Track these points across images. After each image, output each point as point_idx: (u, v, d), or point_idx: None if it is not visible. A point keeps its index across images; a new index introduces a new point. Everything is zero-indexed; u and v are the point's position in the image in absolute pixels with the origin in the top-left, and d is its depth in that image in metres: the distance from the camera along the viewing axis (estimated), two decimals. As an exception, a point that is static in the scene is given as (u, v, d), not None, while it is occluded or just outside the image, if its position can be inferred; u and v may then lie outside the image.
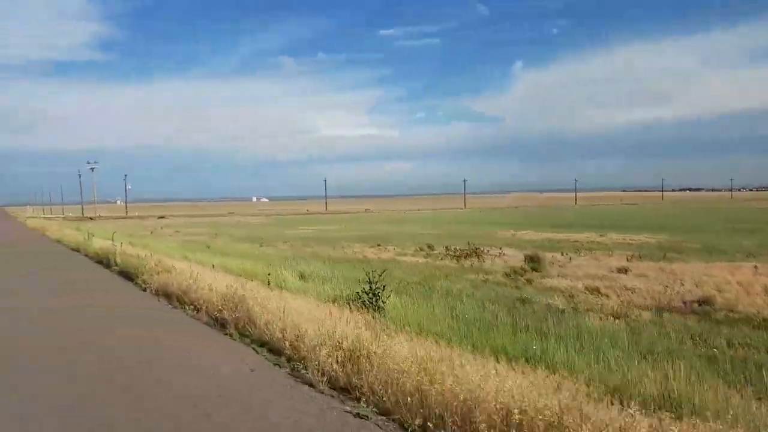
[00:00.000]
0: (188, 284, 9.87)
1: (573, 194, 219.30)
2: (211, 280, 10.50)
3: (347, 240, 38.31)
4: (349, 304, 8.92)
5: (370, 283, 8.93)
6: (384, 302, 8.86)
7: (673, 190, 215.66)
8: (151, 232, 46.03)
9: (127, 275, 13.13)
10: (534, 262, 20.05)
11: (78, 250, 20.37)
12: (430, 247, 31.13)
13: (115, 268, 14.45)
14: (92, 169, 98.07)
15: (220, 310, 8.07)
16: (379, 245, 33.63)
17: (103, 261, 16.37)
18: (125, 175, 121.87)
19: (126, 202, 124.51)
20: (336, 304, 9.12)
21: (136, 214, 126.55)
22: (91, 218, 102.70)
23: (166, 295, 10.36)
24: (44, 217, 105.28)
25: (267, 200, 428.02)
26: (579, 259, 24.93)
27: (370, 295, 8.83)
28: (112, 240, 18.89)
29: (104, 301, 10.46)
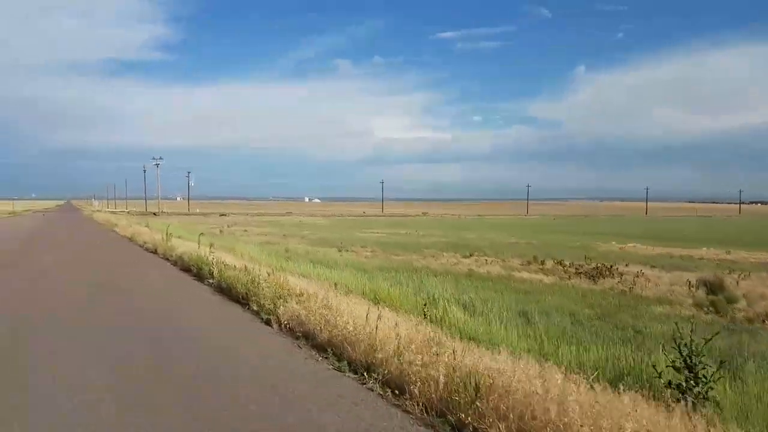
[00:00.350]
0: (347, 324, 6.30)
1: (637, 203, 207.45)
2: (366, 313, 6.90)
3: (430, 247, 34.57)
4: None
5: (684, 351, 5.01)
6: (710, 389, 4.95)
7: (743, 203, 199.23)
8: (221, 231, 43.85)
9: (232, 295, 9.82)
10: (714, 288, 15.56)
11: (155, 252, 17.63)
12: (539, 260, 26.87)
13: (211, 281, 11.27)
14: (157, 165, 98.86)
15: (449, 397, 4.41)
16: (471, 255, 29.64)
17: (192, 270, 13.31)
18: (188, 172, 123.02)
19: (188, 199, 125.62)
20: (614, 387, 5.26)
21: (197, 210, 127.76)
22: (154, 213, 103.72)
23: (306, 336, 6.86)
24: (109, 211, 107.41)
25: (318, 201, 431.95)
26: (745, 282, 20.08)
27: (688, 376, 4.93)
28: (199, 243, 15.92)
29: (219, 347, 6.90)
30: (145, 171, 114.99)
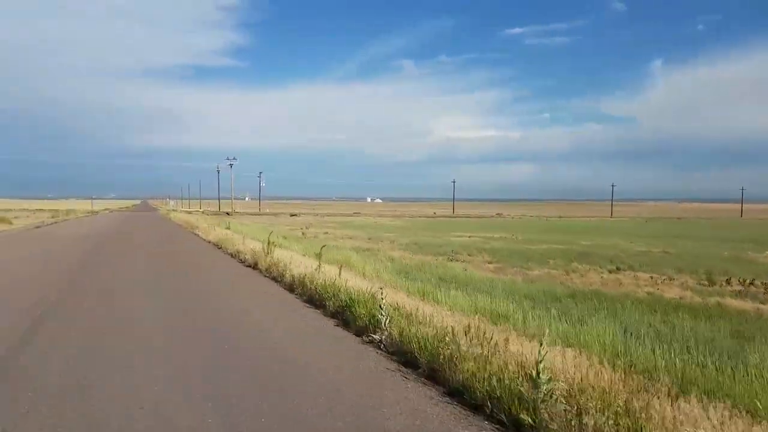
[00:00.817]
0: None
1: (727, 204, 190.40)
2: None
3: (550, 256, 28.99)
4: None
5: None
6: None
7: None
8: (303, 234, 40.16)
9: (408, 358, 5.27)
10: None
11: (254, 267, 13.47)
12: (716, 278, 20.83)
13: (381, 338, 6.61)
14: (230, 165, 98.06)
15: None
16: (618, 269, 23.90)
17: (323, 304, 8.74)
18: (260, 172, 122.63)
19: (260, 199, 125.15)
20: None
21: (267, 210, 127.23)
22: (227, 213, 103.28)
23: None
24: (184, 211, 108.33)
25: (380, 201, 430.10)
26: None
27: None
28: (320, 260, 11.45)
29: None
30: (218, 171, 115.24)
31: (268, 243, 13.76)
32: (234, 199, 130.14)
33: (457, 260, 25.59)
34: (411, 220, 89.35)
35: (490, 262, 24.85)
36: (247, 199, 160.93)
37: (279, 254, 13.81)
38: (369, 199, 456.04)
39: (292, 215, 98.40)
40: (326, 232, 44.74)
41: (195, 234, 27.69)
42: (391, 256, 25.30)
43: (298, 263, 12.57)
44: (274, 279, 11.73)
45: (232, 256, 16.33)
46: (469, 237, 45.19)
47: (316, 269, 11.01)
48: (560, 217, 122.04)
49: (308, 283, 9.91)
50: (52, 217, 53.81)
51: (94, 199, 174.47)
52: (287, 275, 10.92)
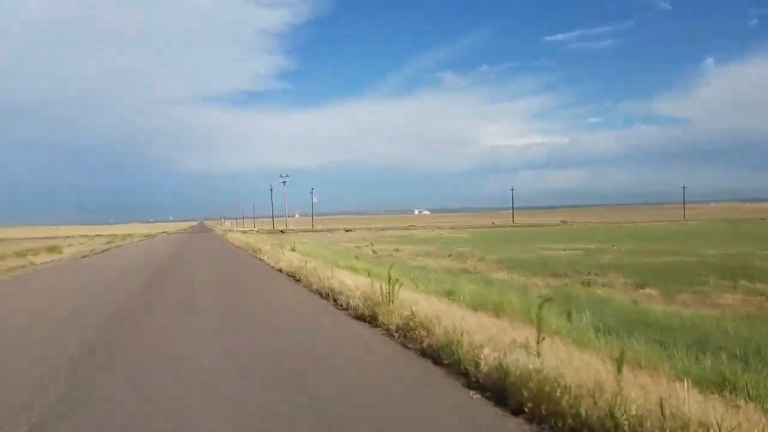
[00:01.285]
0: None
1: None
2: None
3: (696, 272, 22.84)
4: None
5: None
6: None
7: None
8: (374, 252, 35.34)
9: None
10: None
11: (372, 321, 8.43)
12: None
13: None
14: (284, 182, 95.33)
15: None
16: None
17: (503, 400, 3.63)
18: (312, 189, 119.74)
19: (312, 215, 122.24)
20: None
21: (319, 226, 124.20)
22: (282, 231, 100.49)
23: None
24: (240, 230, 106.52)
25: (428, 212, 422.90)
26: None
27: None
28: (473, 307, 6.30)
29: None
30: (271, 189, 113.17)
31: (389, 281, 8.68)
32: (282, 216, 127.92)
33: (590, 284, 19.89)
34: (474, 232, 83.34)
35: (640, 286, 19.00)
36: (297, 216, 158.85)
37: (407, 297, 8.77)
38: (416, 211, 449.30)
39: (347, 231, 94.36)
40: (397, 249, 39.74)
41: (260, 259, 23.26)
42: (506, 280, 19.95)
43: (445, 314, 7.47)
44: (418, 349, 6.64)
45: (321, 295, 11.43)
46: (564, 250, 39.06)
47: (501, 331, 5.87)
48: (633, 222, 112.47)
49: (477, 357, 4.75)
50: (108, 243, 51.50)
51: (154, 222, 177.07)
52: (469, 354, 5.77)
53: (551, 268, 25.06)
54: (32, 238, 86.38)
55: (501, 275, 22.58)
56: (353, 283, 11.23)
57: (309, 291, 12.78)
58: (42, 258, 28.37)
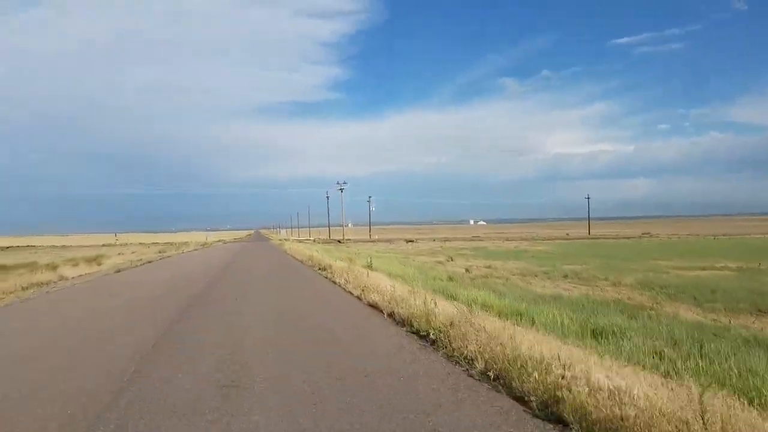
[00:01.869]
0: None
1: None
2: None
3: None
4: None
5: None
6: None
7: None
8: (467, 270, 28.39)
9: None
10: None
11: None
12: None
13: None
14: (341, 189, 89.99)
15: None
16: None
17: None
18: (369, 197, 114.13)
19: (370, 225, 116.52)
20: None
21: (376, 237, 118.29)
22: (339, 241, 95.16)
23: None
24: (296, 239, 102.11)
25: (484, 222, 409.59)
26: None
27: None
28: None
29: None
30: (328, 197, 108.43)
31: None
32: (337, 226, 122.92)
33: None
34: (555, 244, 74.60)
35: None
36: (349, 225, 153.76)
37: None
38: (472, 222, 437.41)
39: (408, 241, 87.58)
40: (489, 266, 32.57)
41: (333, 282, 16.93)
42: (703, 323, 12.65)
43: None
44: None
45: (466, 362, 5.04)
46: (703, 269, 30.74)
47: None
48: (727, 235, 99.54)
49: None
50: (159, 252, 47.24)
51: (211, 230, 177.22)
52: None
53: (732, 300, 17.36)
54: (87, 246, 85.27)
55: (687, 314, 15.16)
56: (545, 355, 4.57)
57: (448, 362, 6.16)
58: (74, 271, 23.41)
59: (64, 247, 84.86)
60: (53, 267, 23.09)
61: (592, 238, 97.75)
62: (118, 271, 24.02)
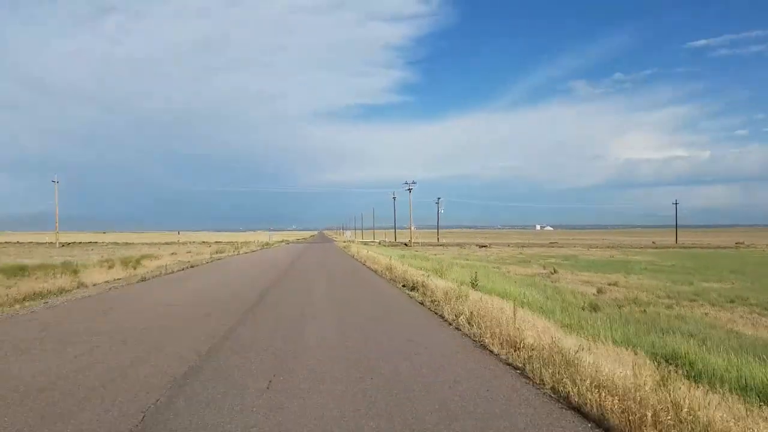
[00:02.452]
0: None
1: None
2: None
3: None
4: None
5: None
6: None
7: None
8: (599, 292, 21.76)
9: None
10: None
11: None
12: None
13: None
14: (409, 189, 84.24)
15: None
16: None
17: None
18: (438, 198, 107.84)
19: (438, 228, 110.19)
20: None
21: (443, 240, 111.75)
22: (405, 244, 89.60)
23: None
24: (360, 242, 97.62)
25: (551, 228, 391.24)
26: None
27: None
28: None
29: None
30: (395, 198, 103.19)
31: None
32: (401, 228, 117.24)
33: None
34: (647, 253, 65.33)
35: None
36: (412, 228, 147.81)
37: None
38: (538, 227, 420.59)
39: (481, 246, 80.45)
40: (613, 283, 25.63)
41: (433, 312, 11.19)
42: None
43: None
44: None
45: None
46: None
47: None
48: None
49: None
50: (216, 252, 43.47)
51: (277, 230, 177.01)
52: None
53: None
54: (149, 243, 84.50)
55: None
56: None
57: None
58: (97, 276, 19.08)
59: (126, 244, 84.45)
60: (74, 271, 18.84)
61: (683, 248, 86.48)
62: (143, 279, 19.37)
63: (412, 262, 27.12)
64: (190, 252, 43.26)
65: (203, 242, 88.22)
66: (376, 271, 22.96)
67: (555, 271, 30.28)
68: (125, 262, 24.57)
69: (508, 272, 29.91)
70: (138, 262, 26.04)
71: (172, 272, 23.43)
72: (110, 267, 22.88)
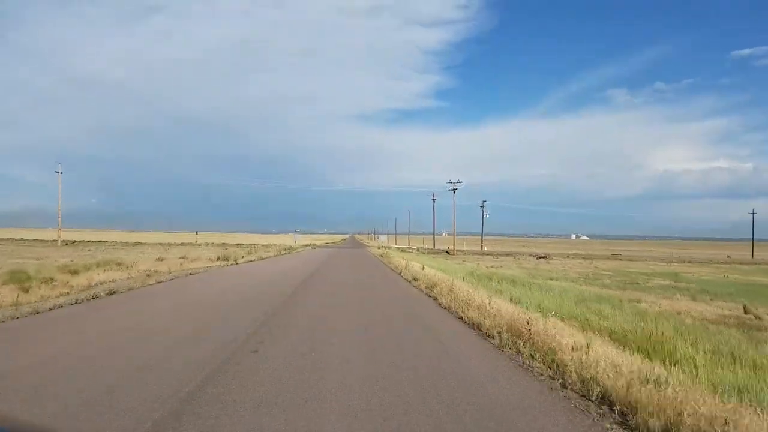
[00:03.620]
0: None
1: None
2: None
3: None
4: None
5: None
6: None
7: None
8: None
9: None
10: None
11: None
12: None
13: None
14: (454, 189, 75.14)
15: None
16: None
17: None
18: (483, 201, 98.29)
19: (482, 235, 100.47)
20: None
21: (485, 248, 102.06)
22: (447, 252, 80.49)
23: None
24: (397, 248, 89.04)
25: (587, 238, 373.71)
26: None
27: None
28: None
29: None
30: (434, 200, 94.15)
31: None
32: (435, 234, 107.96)
33: None
34: (735, 269, 54.60)
35: None
36: (444, 234, 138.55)
37: None
38: (573, 236, 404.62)
39: (539, 258, 70.40)
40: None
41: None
42: None
43: None
44: None
45: None
46: None
47: None
48: None
49: None
50: (218, 259, 35.60)
51: (303, 233, 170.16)
52: None
53: None
54: (163, 243, 77.90)
55: None
56: None
57: None
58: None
59: (137, 243, 78.08)
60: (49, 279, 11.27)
61: (761, 264, 74.39)
62: (112, 293, 11.29)
63: (477, 279, 18.15)
64: (197, 258, 35.45)
65: (223, 243, 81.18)
66: (441, 305, 13.18)
67: (747, 311, 19.72)
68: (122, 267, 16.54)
69: (620, 299, 20.58)
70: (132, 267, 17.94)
71: (187, 276, 15.04)
72: (107, 269, 14.98)
